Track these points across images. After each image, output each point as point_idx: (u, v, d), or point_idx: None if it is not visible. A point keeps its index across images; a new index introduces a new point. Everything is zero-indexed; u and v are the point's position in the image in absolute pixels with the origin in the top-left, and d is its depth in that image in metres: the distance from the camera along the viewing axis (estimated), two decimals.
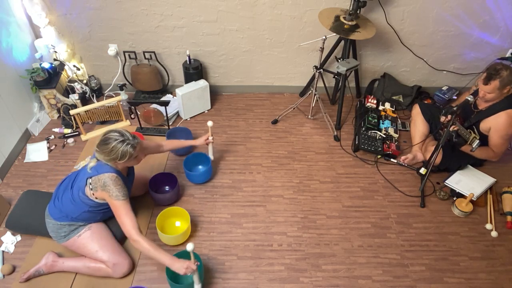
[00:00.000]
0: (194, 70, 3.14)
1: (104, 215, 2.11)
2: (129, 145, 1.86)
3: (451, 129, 2.39)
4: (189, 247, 1.81)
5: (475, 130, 2.53)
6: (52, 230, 2.06)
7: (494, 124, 2.43)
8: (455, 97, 3.29)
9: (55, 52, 3.03)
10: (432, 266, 2.24)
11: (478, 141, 2.37)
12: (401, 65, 3.33)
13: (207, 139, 2.56)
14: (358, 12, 2.77)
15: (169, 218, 2.37)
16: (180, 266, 1.84)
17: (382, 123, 3.08)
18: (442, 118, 2.51)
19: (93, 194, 1.93)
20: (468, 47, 3.16)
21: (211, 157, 2.65)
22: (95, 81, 3.32)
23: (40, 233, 2.18)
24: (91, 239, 2.05)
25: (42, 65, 2.92)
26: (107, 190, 1.87)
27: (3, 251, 2.23)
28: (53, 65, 2.98)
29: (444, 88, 3.38)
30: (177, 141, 2.55)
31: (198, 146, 2.81)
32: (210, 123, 2.52)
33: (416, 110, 2.86)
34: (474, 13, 2.94)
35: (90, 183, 1.92)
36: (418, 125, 2.83)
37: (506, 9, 2.91)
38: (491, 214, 2.50)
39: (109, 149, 1.84)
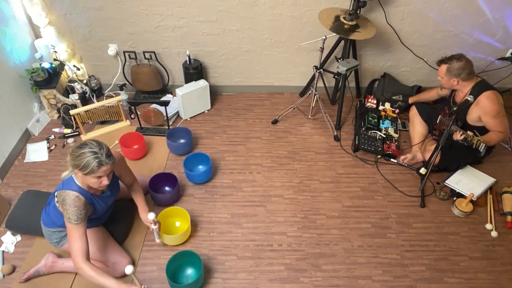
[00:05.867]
0: (194, 70, 3.13)
1: (89, 224, 2.00)
2: (97, 160, 1.72)
3: (458, 137, 2.39)
4: (128, 270, 1.75)
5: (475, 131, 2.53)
6: (46, 236, 2.07)
7: (478, 111, 2.43)
8: None
9: (55, 52, 3.03)
10: (432, 266, 2.24)
11: (483, 144, 2.36)
12: (401, 65, 3.33)
13: (151, 223, 2.14)
14: (358, 12, 2.77)
15: (169, 218, 2.37)
16: None
17: (382, 123, 3.08)
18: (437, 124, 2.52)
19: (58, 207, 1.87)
20: (468, 47, 3.16)
21: (157, 240, 2.21)
22: (95, 81, 3.32)
23: (40, 233, 2.17)
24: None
25: (42, 65, 2.92)
26: (64, 208, 1.81)
27: (3, 251, 2.23)
28: (53, 65, 2.97)
29: None
30: (140, 197, 2.20)
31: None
32: (152, 215, 2.08)
33: (414, 111, 2.87)
34: (474, 13, 2.94)
35: (56, 196, 1.88)
36: (416, 125, 2.84)
37: (506, 9, 2.91)
38: (491, 214, 2.50)
39: (78, 154, 1.73)
